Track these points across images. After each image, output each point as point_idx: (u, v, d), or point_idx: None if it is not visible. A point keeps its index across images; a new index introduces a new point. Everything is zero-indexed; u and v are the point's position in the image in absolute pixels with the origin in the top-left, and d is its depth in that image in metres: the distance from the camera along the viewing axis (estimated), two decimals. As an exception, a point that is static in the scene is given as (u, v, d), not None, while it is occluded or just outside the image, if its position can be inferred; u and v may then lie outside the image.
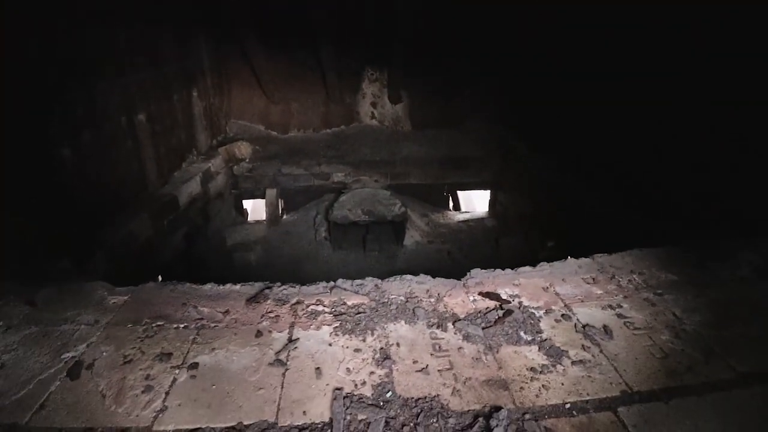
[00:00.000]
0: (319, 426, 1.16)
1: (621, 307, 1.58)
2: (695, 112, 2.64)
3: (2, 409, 1.20)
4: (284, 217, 5.60)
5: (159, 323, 1.50)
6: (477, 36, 5.09)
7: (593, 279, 1.74)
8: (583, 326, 1.50)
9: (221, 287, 1.69)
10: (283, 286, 1.70)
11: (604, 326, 1.49)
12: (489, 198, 5.25)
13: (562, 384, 1.27)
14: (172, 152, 4.21)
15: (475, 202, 6.12)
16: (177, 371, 1.31)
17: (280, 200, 5.45)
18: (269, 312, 1.58)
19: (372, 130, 5.94)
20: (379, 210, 4.77)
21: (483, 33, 5.07)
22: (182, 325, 1.49)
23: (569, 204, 3.75)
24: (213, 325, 1.51)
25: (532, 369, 1.33)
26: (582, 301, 1.63)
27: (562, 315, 1.55)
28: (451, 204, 5.64)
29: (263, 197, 5.42)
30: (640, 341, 1.43)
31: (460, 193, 5.65)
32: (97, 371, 1.32)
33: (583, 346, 1.41)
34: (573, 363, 1.35)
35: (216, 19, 4.79)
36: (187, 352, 1.39)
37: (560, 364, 1.35)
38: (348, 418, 1.17)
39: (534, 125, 4.77)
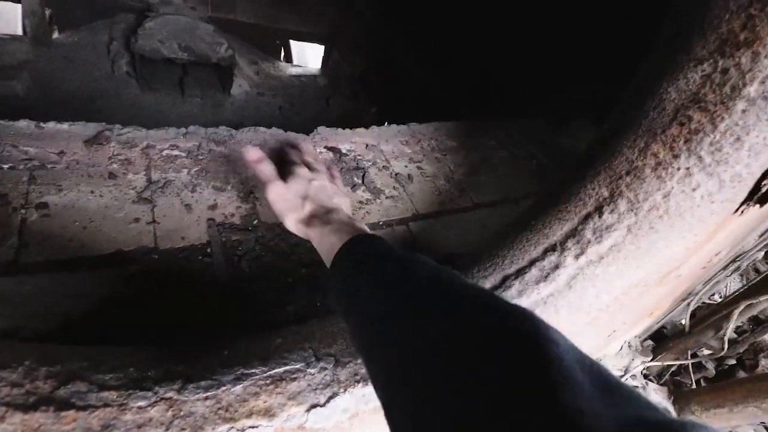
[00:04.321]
0: (199, 246, 1.42)
1: (421, 162, 2.24)
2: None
3: None
4: (57, 35, 4.23)
5: (-32, 163, 1.27)
6: None
7: (406, 141, 2.32)
8: (396, 174, 2.09)
9: (44, 126, 1.47)
10: (127, 129, 1.62)
11: (408, 174, 2.13)
12: (323, 54, 5.23)
13: (379, 210, 1.87)
14: None
15: (308, 56, 5.96)
16: (23, 211, 1.24)
17: (46, 11, 3.99)
18: (117, 155, 1.53)
19: (183, -66, 4.61)
20: (201, 48, 4.19)
21: None
22: (6, 166, 1.32)
23: (398, 69, 4.24)
24: (50, 166, 1.39)
25: (360, 202, 1.86)
26: (396, 158, 2.21)
27: (383, 166, 2.10)
28: (282, 54, 5.37)
29: (17, 2, 3.84)
30: (428, 184, 2.14)
31: (293, 44, 5.39)
32: None
33: (394, 187, 2.02)
34: (386, 198, 1.95)
35: None
36: (27, 193, 1.29)
37: (379, 198, 1.92)
38: (224, 239, 1.46)
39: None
